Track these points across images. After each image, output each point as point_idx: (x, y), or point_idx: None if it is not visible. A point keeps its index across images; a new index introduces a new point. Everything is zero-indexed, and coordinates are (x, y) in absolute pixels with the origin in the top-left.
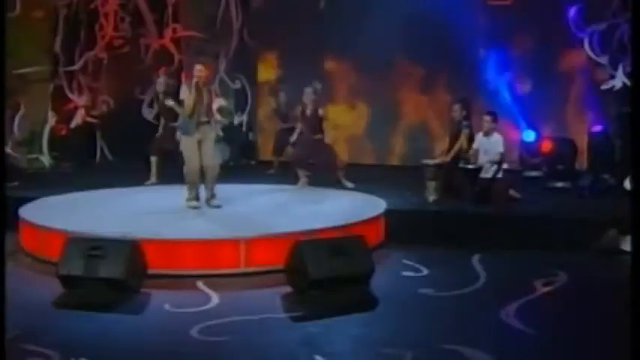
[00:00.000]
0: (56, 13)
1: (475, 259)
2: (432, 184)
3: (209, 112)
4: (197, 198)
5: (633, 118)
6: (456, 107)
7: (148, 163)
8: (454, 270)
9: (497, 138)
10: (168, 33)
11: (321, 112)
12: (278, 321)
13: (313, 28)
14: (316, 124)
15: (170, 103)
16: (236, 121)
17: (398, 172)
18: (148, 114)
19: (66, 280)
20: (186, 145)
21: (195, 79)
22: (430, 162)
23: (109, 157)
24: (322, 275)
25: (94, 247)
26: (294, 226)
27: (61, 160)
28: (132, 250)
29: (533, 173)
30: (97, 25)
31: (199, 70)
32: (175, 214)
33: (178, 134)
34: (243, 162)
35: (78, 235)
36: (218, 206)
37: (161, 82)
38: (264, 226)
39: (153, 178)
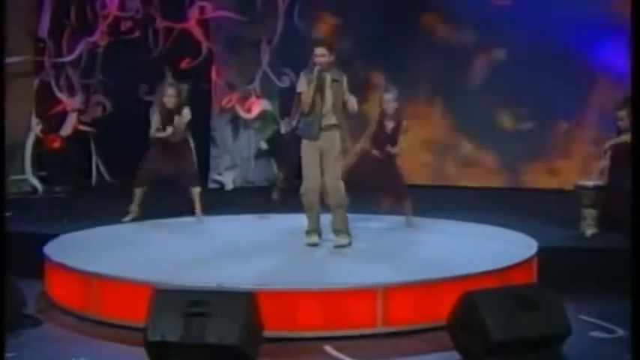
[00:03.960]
0: None
1: None
2: (590, 213)
3: (337, 112)
4: (318, 231)
5: (633, 117)
6: (623, 114)
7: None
8: None
9: None
10: (193, 13)
11: (405, 124)
12: None
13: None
14: (394, 138)
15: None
16: (283, 129)
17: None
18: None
19: (157, 349)
20: (306, 152)
21: (317, 68)
22: (589, 184)
23: (107, 177)
24: (507, 336)
25: (195, 303)
26: (438, 269)
27: (50, 182)
28: (248, 305)
29: None
30: (98, 3)
31: (321, 54)
32: (270, 254)
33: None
34: (294, 183)
35: (169, 286)
36: (341, 245)
37: (170, 94)
38: (402, 270)
39: (133, 213)
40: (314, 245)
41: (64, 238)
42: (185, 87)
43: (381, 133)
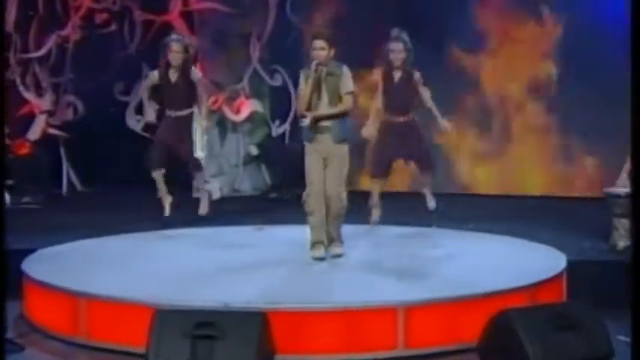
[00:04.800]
0: None
1: None
2: (622, 223)
3: (334, 110)
4: (323, 242)
5: (633, 117)
6: None
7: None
8: None
9: None
10: (176, 5)
11: (417, 75)
12: None
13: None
14: (409, 96)
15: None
16: (274, 132)
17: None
18: (135, 123)
19: None
20: (308, 156)
21: (315, 62)
22: (621, 191)
23: (78, 186)
24: (547, 359)
25: (202, 325)
26: (462, 285)
27: (18, 191)
28: (261, 327)
29: None
30: None
31: (321, 47)
32: (273, 270)
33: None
34: (288, 192)
35: (170, 306)
36: (339, 255)
37: (176, 50)
38: (423, 286)
39: (167, 207)
40: (321, 259)
41: (43, 252)
42: (192, 42)
43: (391, 87)
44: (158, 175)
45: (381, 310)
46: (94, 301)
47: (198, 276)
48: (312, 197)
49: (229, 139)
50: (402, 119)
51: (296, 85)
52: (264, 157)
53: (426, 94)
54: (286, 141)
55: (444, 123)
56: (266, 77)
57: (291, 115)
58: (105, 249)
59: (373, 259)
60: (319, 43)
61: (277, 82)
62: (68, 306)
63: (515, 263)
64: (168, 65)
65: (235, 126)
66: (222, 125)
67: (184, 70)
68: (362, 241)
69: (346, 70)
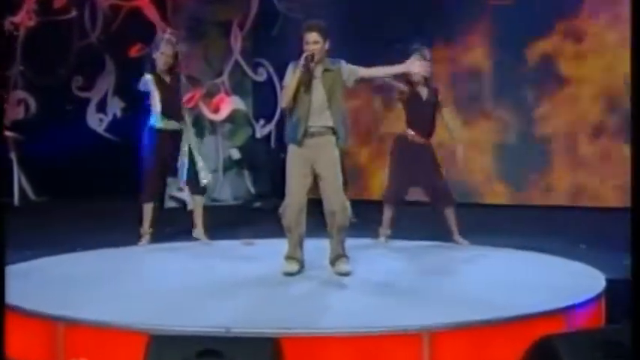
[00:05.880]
0: None
1: None
2: None
3: (333, 109)
4: (298, 259)
5: (633, 117)
6: None
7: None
8: None
9: None
10: None
11: (440, 96)
12: None
13: None
14: (430, 117)
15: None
16: (259, 133)
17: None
18: (96, 123)
19: None
20: (290, 161)
21: (305, 55)
22: None
23: (31, 195)
24: None
25: (206, 353)
26: (492, 308)
27: None
28: (273, 355)
29: None
30: None
31: (314, 40)
32: (274, 290)
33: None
34: (274, 202)
35: (167, 332)
36: (347, 273)
37: (167, 53)
38: (449, 309)
39: (146, 235)
40: (290, 275)
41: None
42: (182, 48)
43: (416, 102)
44: (148, 208)
45: (404, 336)
46: (74, 326)
47: (190, 296)
48: (290, 210)
49: (207, 141)
50: (422, 141)
51: (281, 79)
52: (246, 161)
53: (449, 113)
54: (272, 143)
55: (460, 150)
56: (249, 71)
57: (278, 114)
58: (76, 267)
59: (386, 277)
60: (312, 36)
61: (261, 76)
62: (43, 333)
63: (548, 282)
64: (153, 68)
65: (214, 126)
66: (199, 125)
67: (175, 74)
68: (369, 257)
69: (345, 64)
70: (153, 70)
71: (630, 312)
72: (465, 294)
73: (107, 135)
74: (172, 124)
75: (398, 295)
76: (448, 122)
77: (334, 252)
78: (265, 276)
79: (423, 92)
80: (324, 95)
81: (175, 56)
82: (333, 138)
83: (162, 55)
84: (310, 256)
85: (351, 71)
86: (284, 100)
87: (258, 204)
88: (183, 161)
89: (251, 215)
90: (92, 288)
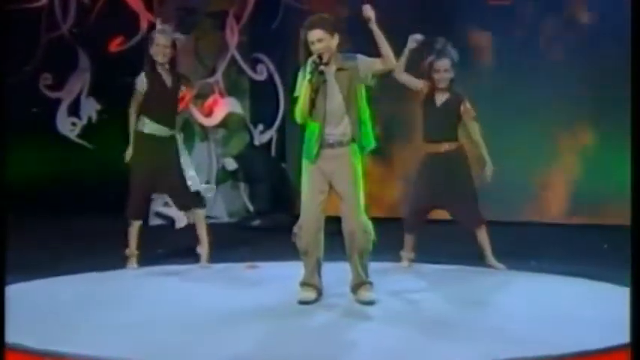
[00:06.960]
0: None
1: None
2: None
3: (351, 114)
4: (315, 285)
5: (633, 118)
6: None
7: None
8: None
9: None
10: None
11: (467, 105)
12: None
13: None
14: (454, 123)
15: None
16: (257, 140)
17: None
18: (68, 128)
19: None
20: (306, 177)
21: (312, 60)
22: None
23: None
24: None
25: None
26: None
27: None
28: None
29: None
30: None
31: (318, 39)
32: (286, 322)
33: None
34: (274, 219)
35: None
36: (372, 302)
37: (163, 44)
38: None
39: (133, 257)
40: (306, 304)
41: None
42: (181, 38)
43: (432, 111)
44: (135, 228)
45: None
46: None
47: (189, 329)
48: (305, 230)
49: (198, 149)
50: (446, 147)
51: (284, 78)
52: (243, 172)
53: (475, 128)
54: (272, 152)
55: (489, 169)
56: (246, 69)
57: (279, 118)
58: (56, 295)
59: (411, 307)
60: (315, 34)
61: (261, 75)
62: None
63: (603, 314)
64: (153, 65)
65: (206, 132)
66: (189, 131)
67: (175, 71)
68: (393, 283)
69: (362, 57)
70: (153, 68)
71: None
72: (508, 328)
73: (80, 142)
74: (163, 130)
75: (430, 328)
76: (474, 136)
77: (356, 278)
78: (277, 305)
79: (441, 97)
80: (341, 99)
81: (174, 45)
82: (353, 148)
83: (158, 47)
84: (328, 280)
85: (367, 65)
86: (299, 115)
87: (256, 222)
88: (191, 174)
89: (248, 234)
90: (81, 317)
